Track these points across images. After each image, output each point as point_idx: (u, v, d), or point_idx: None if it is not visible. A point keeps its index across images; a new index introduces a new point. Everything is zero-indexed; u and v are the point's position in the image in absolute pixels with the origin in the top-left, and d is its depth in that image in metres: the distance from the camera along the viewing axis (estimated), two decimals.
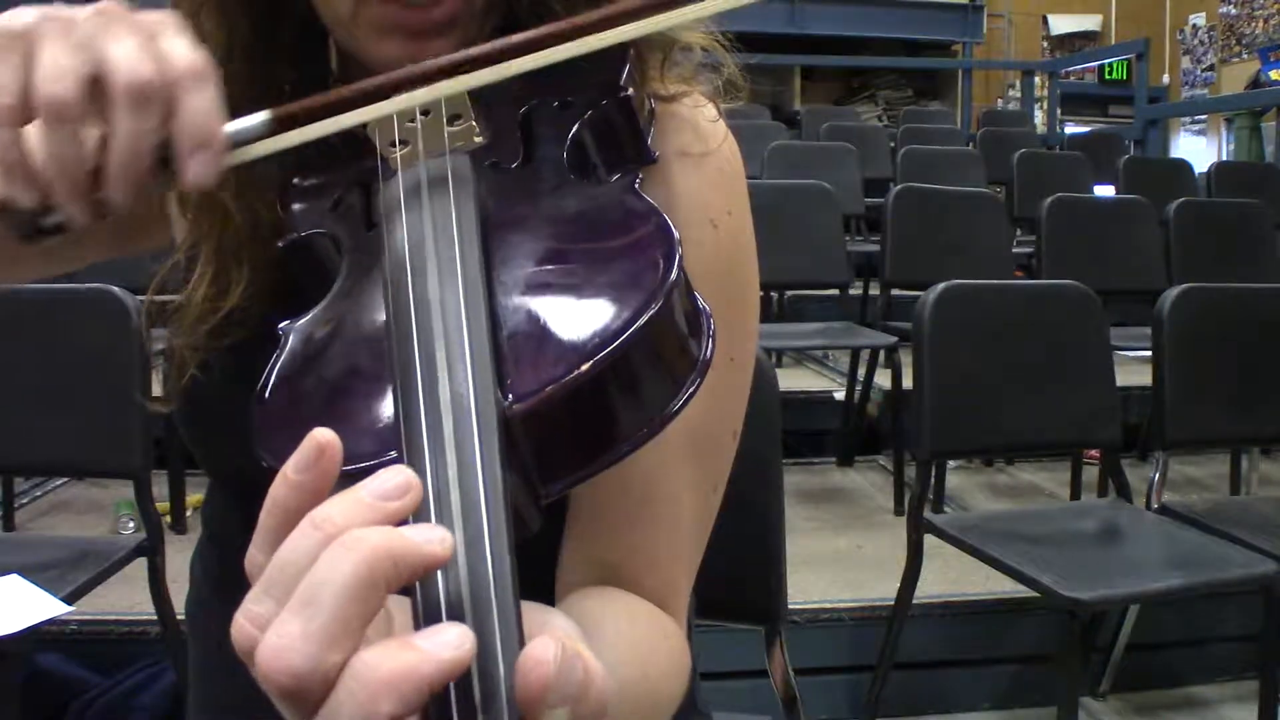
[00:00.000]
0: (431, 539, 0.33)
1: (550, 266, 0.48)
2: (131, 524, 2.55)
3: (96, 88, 0.47)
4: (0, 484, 2.69)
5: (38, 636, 1.64)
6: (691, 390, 0.44)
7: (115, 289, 1.82)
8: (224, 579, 0.77)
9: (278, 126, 0.50)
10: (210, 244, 0.66)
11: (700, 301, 0.47)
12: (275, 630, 0.32)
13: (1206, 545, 1.99)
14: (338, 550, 0.32)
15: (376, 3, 0.59)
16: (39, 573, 1.64)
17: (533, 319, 0.44)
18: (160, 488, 2.38)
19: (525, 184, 0.54)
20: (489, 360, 0.41)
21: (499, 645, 0.34)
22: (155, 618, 1.85)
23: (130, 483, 1.86)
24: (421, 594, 0.35)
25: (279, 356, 0.50)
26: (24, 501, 2.88)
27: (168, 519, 2.50)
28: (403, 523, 0.34)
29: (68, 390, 1.84)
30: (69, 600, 1.59)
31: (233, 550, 0.75)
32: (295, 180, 0.60)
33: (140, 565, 1.82)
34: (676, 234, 0.46)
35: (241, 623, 0.33)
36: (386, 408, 0.42)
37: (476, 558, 0.35)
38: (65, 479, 3.02)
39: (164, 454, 2.44)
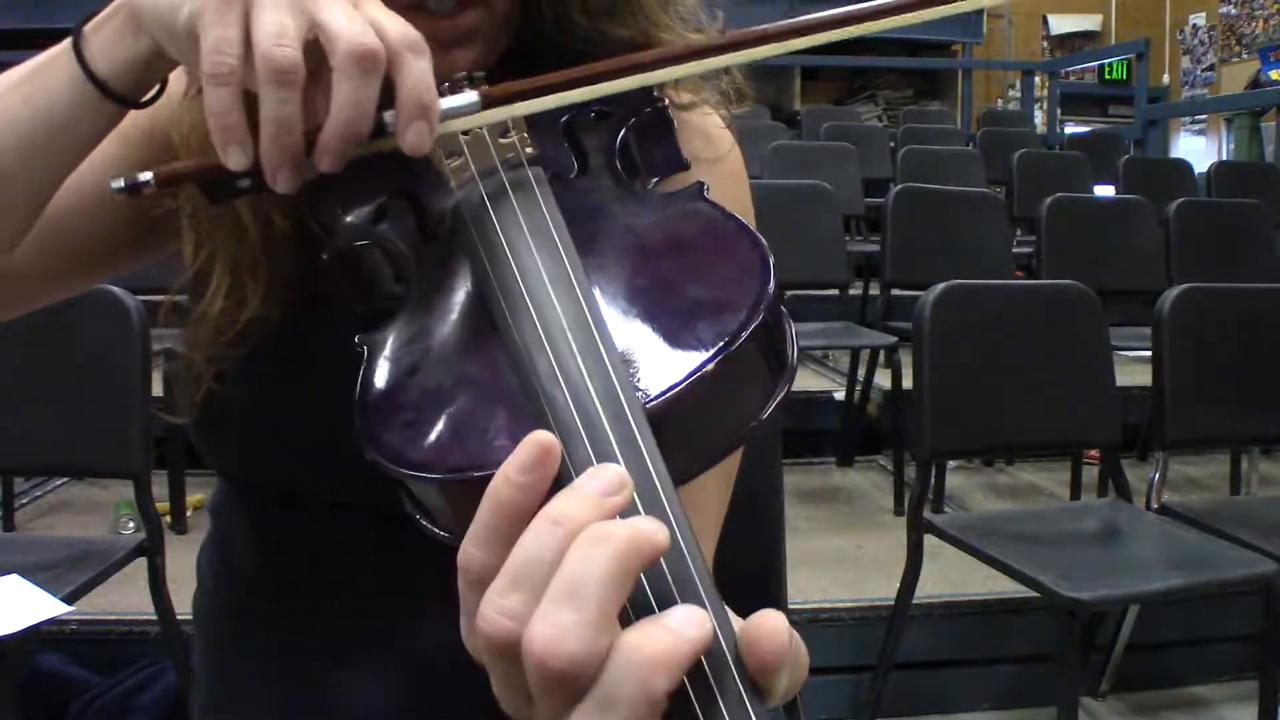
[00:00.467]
0: (658, 529, 0.35)
1: (648, 274, 0.49)
2: (131, 524, 2.55)
3: (315, 50, 0.47)
4: (0, 484, 2.69)
5: (38, 636, 1.63)
6: (786, 388, 0.46)
7: (115, 289, 1.81)
8: (231, 576, 0.78)
9: (484, 106, 0.51)
10: (224, 257, 0.66)
11: (783, 308, 0.48)
12: (546, 620, 0.33)
13: (1206, 545, 1.99)
14: (590, 544, 0.34)
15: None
16: (39, 573, 1.64)
17: (643, 325, 0.45)
18: (160, 488, 2.38)
19: (590, 193, 0.55)
20: (622, 364, 0.42)
21: (716, 625, 0.35)
22: (155, 618, 1.85)
23: (130, 483, 1.86)
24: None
25: (369, 365, 0.51)
26: (24, 501, 2.88)
27: (168, 519, 2.50)
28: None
29: (68, 390, 1.84)
30: (69, 600, 1.59)
31: (240, 548, 0.76)
32: (331, 192, 0.60)
33: (140, 565, 1.82)
34: (764, 241, 0.48)
35: (494, 617, 0.35)
36: (516, 414, 0.43)
37: (671, 548, 0.37)
38: (65, 479, 3.02)
39: (164, 454, 2.44)
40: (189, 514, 2.66)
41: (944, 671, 2.34)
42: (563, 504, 0.35)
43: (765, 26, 0.51)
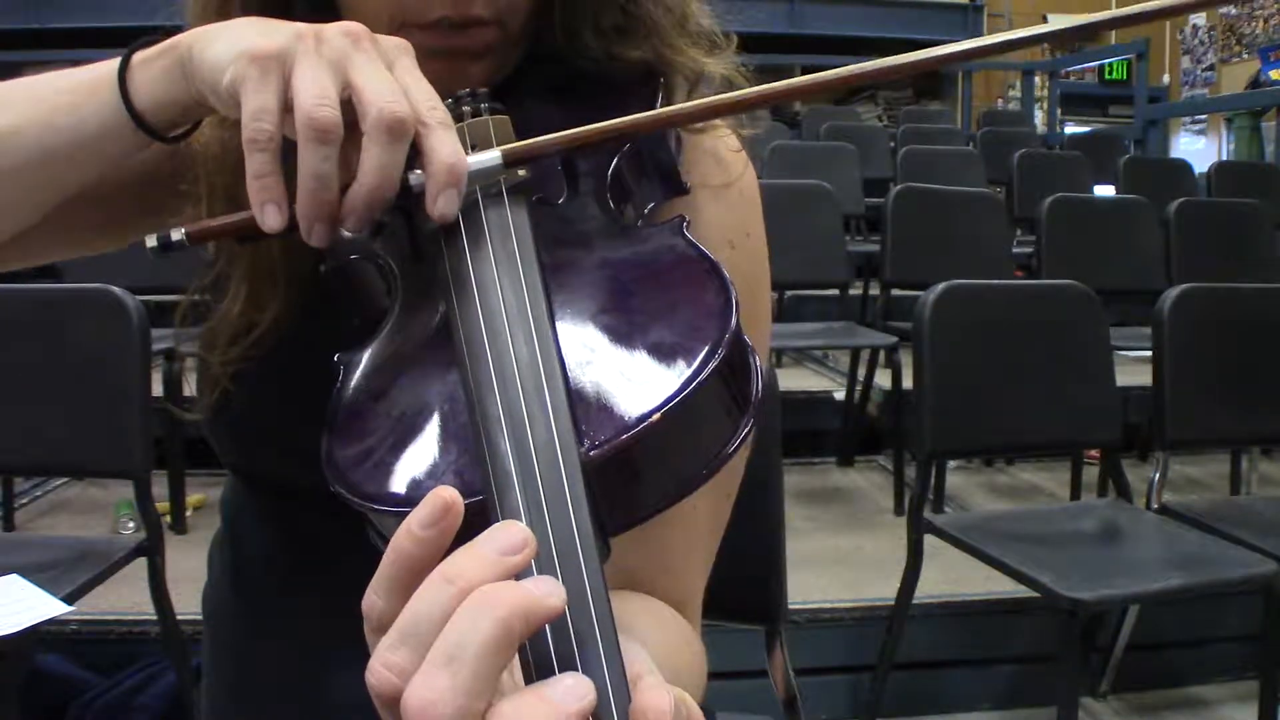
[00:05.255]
0: (551, 593, 0.35)
1: (613, 313, 0.49)
2: (131, 524, 2.55)
3: (347, 109, 0.48)
4: (0, 484, 2.69)
5: (38, 636, 1.63)
6: (747, 430, 0.45)
7: (115, 289, 1.81)
8: (240, 570, 0.78)
9: (507, 165, 0.51)
10: (244, 263, 0.67)
11: (748, 341, 0.48)
12: (423, 683, 0.34)
13: (1206, 545, 1.99)
14: (475, 607, 0.34)
15: (418, 31, 0.60)
16: (39, 573, 1.64)
17: (600, 367, 0.45)
18: (160, 488, 2.38)
19: (574, 222, 0.55)
20: (567, 411, 0.42)
21: (610, 691, 0.36)
22: (155, 618, 1.85)
23: (130, 483, 1.85)
24: (531, 645, 0.36)
25: (342, 389, 0.52)
26: (24, 501, 2.88)
27: (167, 519, 2.49)
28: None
29: (68, 390, 1.84)
30: (69, 600, 1.59)
31: (250, 542, 0.77)
32: None
33: (140, 565, 1.82)
34: (731, 280, 0.48)
35: (380, 670, 0.35)
36: (467, 451, 0.44)
37: (579, 606, 0.37)
38: (65, 479, 3.02)
39: (164, 454, 2.44)
40: (189, 514, 2.66)
41: (944, 671, 2.34)
42: (459, 562, 0.36)
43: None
